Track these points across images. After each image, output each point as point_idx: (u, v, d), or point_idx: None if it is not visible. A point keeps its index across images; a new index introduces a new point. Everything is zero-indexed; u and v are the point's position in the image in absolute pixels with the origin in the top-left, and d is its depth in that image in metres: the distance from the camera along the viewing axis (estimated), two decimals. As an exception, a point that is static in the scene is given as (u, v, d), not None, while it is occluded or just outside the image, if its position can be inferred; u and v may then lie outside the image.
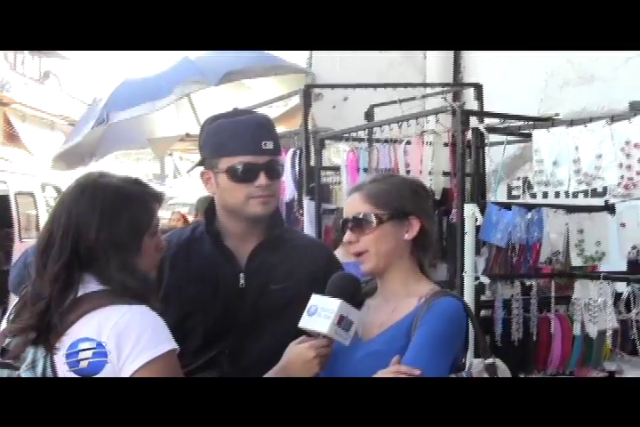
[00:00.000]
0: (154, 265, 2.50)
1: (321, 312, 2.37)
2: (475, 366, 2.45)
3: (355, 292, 2.50)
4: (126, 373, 2.14)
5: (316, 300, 2.41)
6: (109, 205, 2.30)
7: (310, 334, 2.41)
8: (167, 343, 2.20)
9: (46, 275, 2.26)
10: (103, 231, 2.26)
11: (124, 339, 2.14)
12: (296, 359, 2.40)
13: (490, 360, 2.46)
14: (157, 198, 2.46)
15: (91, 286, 2.26)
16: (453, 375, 2.36)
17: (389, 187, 2.53)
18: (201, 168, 2.89)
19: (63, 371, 2.15)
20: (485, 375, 2.41)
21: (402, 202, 2.50)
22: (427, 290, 2.45)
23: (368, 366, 2.32)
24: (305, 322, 2.40)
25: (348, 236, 2.53)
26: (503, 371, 2.47)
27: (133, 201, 2.35)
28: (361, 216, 2.49)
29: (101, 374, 2.13)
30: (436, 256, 2.71)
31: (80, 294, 2.24)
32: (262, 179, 2.73)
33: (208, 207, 2.94)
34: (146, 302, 2.25)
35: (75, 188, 2.36)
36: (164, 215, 12.37)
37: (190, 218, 10.32)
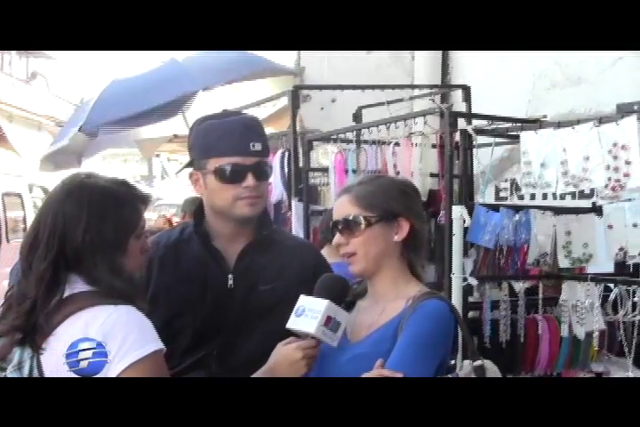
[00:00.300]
0: (139, 266, 2.49)
1: (308, 313, 2.37)
2: (463, 368, 2.45)
3: (343, 293, 2.50)
4: (113, 373, 2.13)
5: (303, 301, 2.41)
6: (96, 206, 2.30)
7: (298, 335, 2.41)
8: (153, 343, 2.20)
9: (32, 275, 2.27)
10: (90, 232, 2.26)
11: (110, 339, 2.14)
12: (283, 360, 2.40)
13: (478, 362, 2.45)
14: (144, 200, 2.46)
15: (77, 286, 2.26)
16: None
17: (377, 188, 2.53)
18: (190, 169, 2.89)
19: (63, 371, 2.14)
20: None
21: (390, 203, 2.50)
22: (415, 292, 2.45)
23: (354, 369, 2.32)
24: (292, 323, 2.40)
25: (337, 238, 2.52)
26: (493, 373, 2.46)
27: (120, 202, 2.35)
28: (350, 218, 2.49)
29: (100, 375, 2.13)
30: (424, 257, 2.69)
31: (66, 294, 2.24)
32: (250, 180, 2.74)
33: (197, 208, 2.94)
34: (132, 303, 2.25)
35: (61, 188, 2.36)
36: (151, 217, 12.37)
37: (176, 219, 10.30)
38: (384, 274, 2.51)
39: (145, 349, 2.17)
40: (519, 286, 4.49)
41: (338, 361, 2.41)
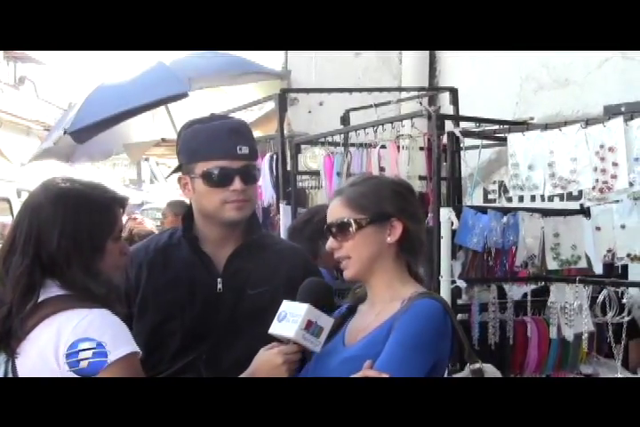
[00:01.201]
0: (118, 268, 2.49)
1: (289, 318, 2.37)
2: (462, 371, 2.44)
3: (325, 297, 2.49)
4: None
5: (285, 306, 2.42)
6: (72, 211, 2.31)
7: (281, 341, 2.41)
8: (127, 346, 2.21)
9: (8, 281, 2.27)
10: (65, 236, 2.28)
11: None
12: (264, 365, 2.40)
13: (476, 366, 2.43)
14: (121, 203, 2.47)
15: (52, 290, 2.28)
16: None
17: (368, 189, 2.50)
18: (179, 173, 2.89)
19: (64, 371, 2.14)
20: None
21: (381, 204, 2.47)
22: (410, 293, 2.42)
23: (345, 372, 2.30)
24: (274, 328, 2.40)
25: (330, 242, 2.51)
26: (492, 375, 2.44)
27: (96, 206, 2.36)
28: (341, 222, 2.47)
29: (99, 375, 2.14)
30: (422, 258, 2.65)
31: (41, 298, 2.25)
32: (237, 183, 2.74)
33: (186, 213, 2.94)
34: (108, 307, 2.25)
35: (38, 193, 2.38)
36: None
37: (153, 222, 10.30)
38: (379, 276, 2.49)
39: (118, 351, 2.17)
40: (508, 287, 4.49)
41: (329, 365, 2.40)
